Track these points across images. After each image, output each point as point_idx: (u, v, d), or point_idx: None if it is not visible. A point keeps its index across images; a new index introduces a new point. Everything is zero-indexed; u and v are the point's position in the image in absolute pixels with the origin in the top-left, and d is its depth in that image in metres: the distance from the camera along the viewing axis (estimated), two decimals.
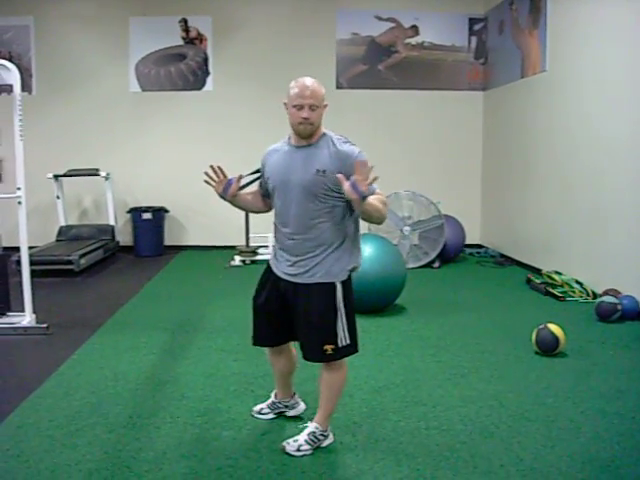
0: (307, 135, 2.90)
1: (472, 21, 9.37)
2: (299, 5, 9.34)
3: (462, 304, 6.12)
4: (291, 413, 3.45)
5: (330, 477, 2.82)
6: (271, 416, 3.43)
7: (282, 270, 3.04)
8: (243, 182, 3.03)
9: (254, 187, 3.34)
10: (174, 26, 9.32)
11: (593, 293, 6.07)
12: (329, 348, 2.93)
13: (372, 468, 2.87)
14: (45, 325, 5.19)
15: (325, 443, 3.10)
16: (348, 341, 2.96)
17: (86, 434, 3.25)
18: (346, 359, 3.04)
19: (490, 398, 3.72)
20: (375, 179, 2.72)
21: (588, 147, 6.34)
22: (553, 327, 4.46)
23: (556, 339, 4.42)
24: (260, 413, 3.44)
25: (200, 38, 9.34)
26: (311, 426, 3.09)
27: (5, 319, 5.30)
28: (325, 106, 2.91)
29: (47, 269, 7.41)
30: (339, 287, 2.95)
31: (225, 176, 3.10)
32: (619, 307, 5.34)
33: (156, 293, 6.72)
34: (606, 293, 5.68)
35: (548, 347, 4.45)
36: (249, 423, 3.38)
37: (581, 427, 3.31)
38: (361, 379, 4.03)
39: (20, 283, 5.24)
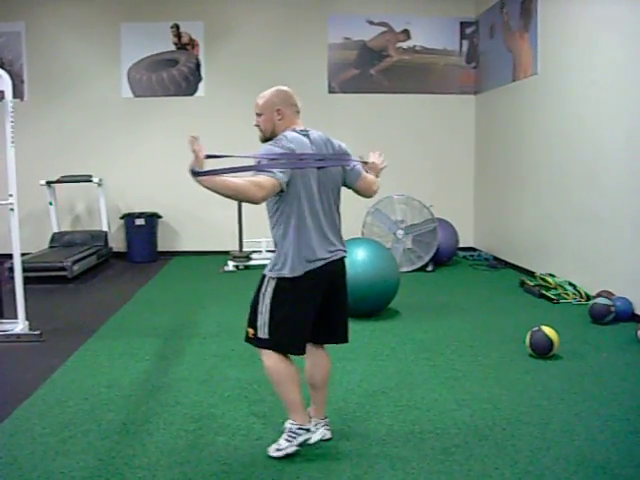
0: (261, 139, 3.16)
1: (463, 25, 9.40)
2: (291, 10, 9.35)
3: (456, 307, 6.12)
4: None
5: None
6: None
7: None
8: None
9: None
10: (166, 32, 9.31)
11: (586, 295, 6.08)
12: (250, 332, 3.05)
13: (367, 472, 2.87)
14: (38, 332, 5.17)
15: (306, 437, 3.04)
16: (266, 336, 2.98)
17: (79, 441, 3.23)
18: (271, 353, 3.01)
19: (484, 401, 3.72)
20: None
21: (580, 149, 6.35)
22: (547, 330, 4.46)
23: (550, 342, 4.42)
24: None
25: (192, 43, 9.34)
26: (286, 424, 3.09)
27: None
28: (277, 110, 3.14)
29: (40, 276, 7.38)
30: (268, 281, 3.00)
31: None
32: (612, 309, 5.35)
33: (150, 299, 6.70)
34: (599, 295, 5.69)
35: (542, 350, 4.46)
36: (243, 429, 3.37)
37: (575, 429, 3.31)
38: (355, 383, 4.03)
39: (13, 290, 5.22)
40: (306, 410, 3.14)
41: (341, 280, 3.19)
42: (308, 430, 3.07)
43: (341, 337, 3.23)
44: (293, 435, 3.03)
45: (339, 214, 3.22)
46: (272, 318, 2.97)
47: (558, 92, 6.80)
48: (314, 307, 3.03)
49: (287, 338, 3.00)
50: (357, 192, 3.41)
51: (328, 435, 3.19)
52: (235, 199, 2.90)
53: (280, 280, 2.96)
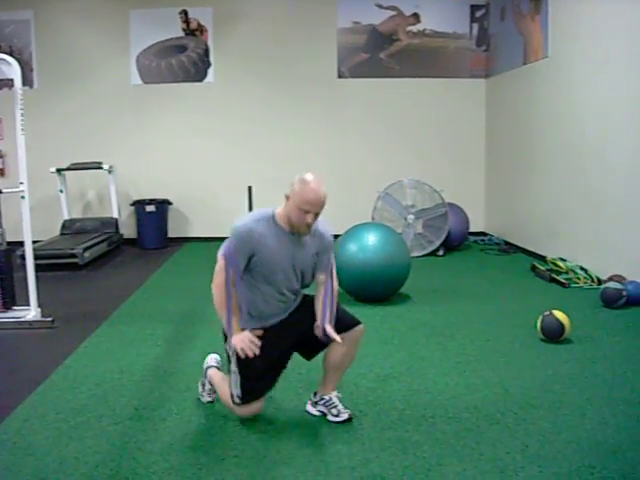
0: (305, 234, 3.08)
1: (473, 8, 9.32)
2: None
3: (467, 292, 6.11)
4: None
5: (336, 465, 2.82)
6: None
7: None
8: None
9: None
10: (174, 18, 9.28)
11: (598, 279, 6.06)
12: None
13: (378, 456, 2.88)
14: (50, 319, 5.20)
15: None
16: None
17: (92, 426, 3.26)
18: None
19: (495, 385, 3.72)
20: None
21: (592, 132, 6.31)
22: (558, 314, 4.45)
23: (561, 326, 4.41)
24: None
25: (201, 29, 9.31)
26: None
27: (10, 313, 5.31)
28: None
29: (51, 263, 7.42)
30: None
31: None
32: (624, 293, 5.32)
33: (161, 285, 6.73)
34: (611, 279, 5.67)
35: (553, 334, 4.45)
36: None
37: (587, 413, 3.31)
38: (366, 367, 4.03)
39: (25, 277, 5.25)
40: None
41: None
42: None
43: (322, 346, 3.26)
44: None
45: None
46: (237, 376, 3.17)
47: (569, 75, 6.75)
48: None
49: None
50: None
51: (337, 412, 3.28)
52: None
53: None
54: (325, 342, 3.13)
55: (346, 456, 2.83)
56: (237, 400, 3.17)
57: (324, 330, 3.05)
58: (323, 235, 3.15)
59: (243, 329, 3.07)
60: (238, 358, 3.05)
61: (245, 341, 2.96)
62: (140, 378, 3.95)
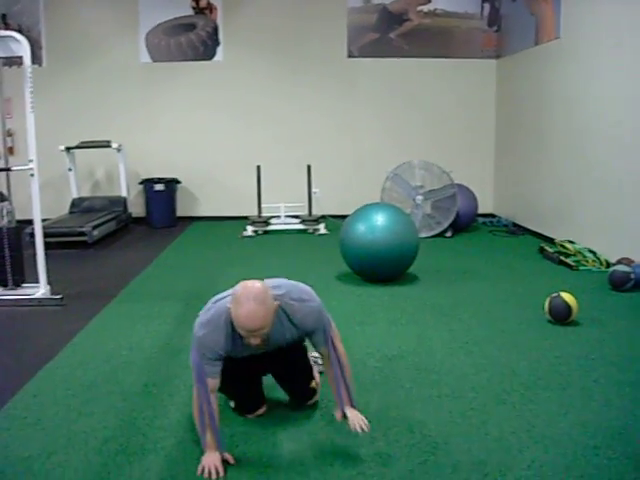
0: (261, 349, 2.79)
1: None
2: None
3: (475, 273, 6.11)
4: None
5: (343, 444, 2.84)
6: None
7: None
8: None
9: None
10: None
11: (607, 262, 6.04)
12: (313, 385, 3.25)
13: (385, 435, 2.90)
14: (59, 296, 5.23)
15: None
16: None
17: (102, 402, 3.29)
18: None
19: (502, 366, 3.73)
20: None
21: (603, 114, 6.26)
22: (566, 296, 4.45)
23: (569, 308, 4.41)
24: None
25: (210, 8, 9.27)
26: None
27: (20, 290, 5.36)
28: (276, 306, 2.62)
29: (60, 241, 7.45)
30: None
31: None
32: (632, 276, 5.30)
33: (169, 264, 6.76)
34: (619, 262, 5.65)
35: (561, 316, 4.45)
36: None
37: (593, 395, 3.31)
38: (373, 347, 4.05)
39: (33, 255, 5.27)
40: None
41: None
42: None
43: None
44: None
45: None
46: None
47: (581, 56, 6.69)
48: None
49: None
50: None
51: None
52: None
53: None
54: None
55: (352, 434, 2.84)
56: (237, 411, 3.15)
57: (344, 414, 2.79)
58: (300, 326, 2.78)
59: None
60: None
61: (212, 465, 2.62)
62: (149, 355, 3.98)
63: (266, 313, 2.52)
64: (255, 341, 2.56)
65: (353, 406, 2.81)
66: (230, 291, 2.75)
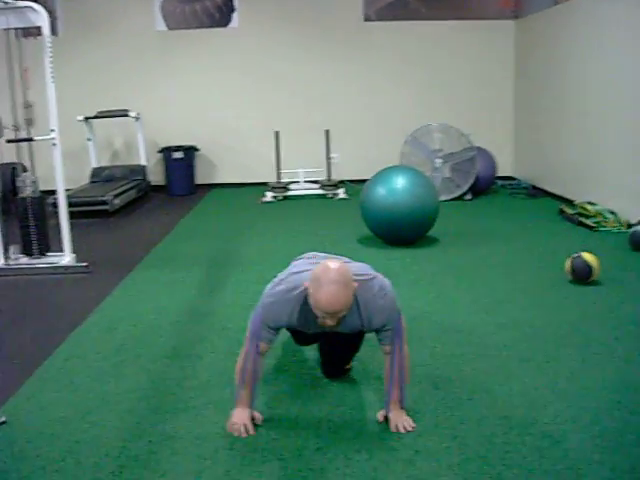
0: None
1: None
2: None
3: (495, 235, 6.13)
4: None
5: (369, 401, 2.91)
6: None
7: None
8: None
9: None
10: None
11: (627, 223, 6.02)
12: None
13: (410, 392, 2.93)
14: (85, 264, 5.31)
15: None
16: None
17: (132, 364, 3.37)
18: None
19: (525, 325, 3.77)
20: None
21: (624, 75, 6.19)
22: (587, 256, 4.46)
23: (590, 267, 4.43)
24: None
25: None
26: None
27: (45, 259, 5.43)
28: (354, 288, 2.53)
29: (82, 210, 7.51)
30: None
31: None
32: None
33: (190, 231, 6.82)
34: None
35: (582, 275, 4.47)
36: (288, 351, 3.45)
37: (615, 352, 3.35)
38: None
39: (56, 225, 5.35)
40: None
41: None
42: None
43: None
44: None
45: None
46: None
47: (602, 15, 6.59)
48: None
49: None
50: None
51: None
52: None
53: None
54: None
55: (379, 392, 2.90)
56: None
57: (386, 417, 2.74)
58: (370, 320, 2.67)
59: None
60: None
61: (240, 423, 2.67)
62: (176, 319, 4.05)
63: (347, 296, 2.47)
64: (331, 322, 2.51)
65: (402, 407, 2.75)
66: (307, 264, 2.78)
